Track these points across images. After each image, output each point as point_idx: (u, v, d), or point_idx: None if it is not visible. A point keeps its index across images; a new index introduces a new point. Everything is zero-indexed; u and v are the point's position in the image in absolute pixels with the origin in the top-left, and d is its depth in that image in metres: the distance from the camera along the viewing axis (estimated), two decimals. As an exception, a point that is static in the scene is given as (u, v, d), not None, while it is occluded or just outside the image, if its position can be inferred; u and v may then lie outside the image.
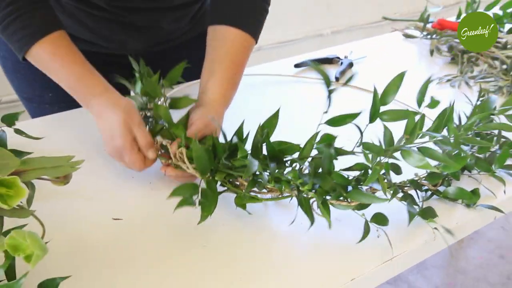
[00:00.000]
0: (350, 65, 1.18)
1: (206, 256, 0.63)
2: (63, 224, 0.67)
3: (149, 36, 1.05)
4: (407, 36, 1.35)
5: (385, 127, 0.67)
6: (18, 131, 0.77)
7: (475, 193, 0.72)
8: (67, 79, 0.82)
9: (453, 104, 0.67)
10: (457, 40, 1.23)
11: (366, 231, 0.64)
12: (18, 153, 0.70)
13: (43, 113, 1.00)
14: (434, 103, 0.66)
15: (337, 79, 1.12)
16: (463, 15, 1.33)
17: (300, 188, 0.64)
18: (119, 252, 0.63)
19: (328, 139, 0.65)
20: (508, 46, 1.17)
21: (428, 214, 0.67)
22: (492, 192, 0.74)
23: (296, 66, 1.18)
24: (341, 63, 1.19)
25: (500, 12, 1.29)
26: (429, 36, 1.32)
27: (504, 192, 0.75)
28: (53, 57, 0.81)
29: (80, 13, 0.98)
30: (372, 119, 0.66)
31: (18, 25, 0.81)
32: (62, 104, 0.99)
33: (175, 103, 0.83)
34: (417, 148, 0.63)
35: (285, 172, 0.66)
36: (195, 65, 0.90)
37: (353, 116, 0.65)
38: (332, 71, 1.16)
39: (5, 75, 1.10)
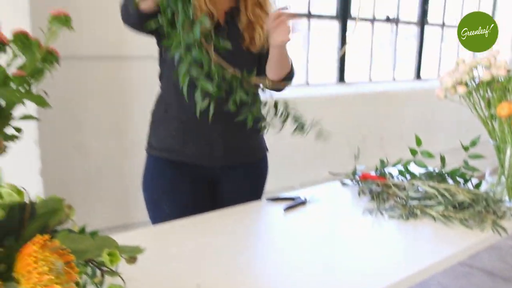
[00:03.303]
0: (303, 203, 1.44)
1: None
2: None
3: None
4: (343, 184, 1.63)
5: None
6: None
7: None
8: None
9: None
10: (374, 186, 1.52)
11: None
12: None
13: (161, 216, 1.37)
14: None
15: (285, 210, 1.36)
16: (379, 170, 1.63)
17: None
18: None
19: None
20: (406, 189, 1.45)
21: None
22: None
23: (268, 199, 1.46)
24: (296, 200, 1.44)
25: (402, 168, 1.60)
26: (357, 183, 1.60)
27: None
28: None
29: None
30: None
31: None
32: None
33: None
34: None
35: None
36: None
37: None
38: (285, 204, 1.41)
39: (143, 181, 1.45)
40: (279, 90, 1.40)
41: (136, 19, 1.18)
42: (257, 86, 1.24)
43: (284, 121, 1.26)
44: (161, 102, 1.43)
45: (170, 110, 1.39)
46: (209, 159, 1.41)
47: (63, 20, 0.76)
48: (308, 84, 3.47)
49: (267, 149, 1.58)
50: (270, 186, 1.79)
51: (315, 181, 1.77)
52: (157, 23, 1.11)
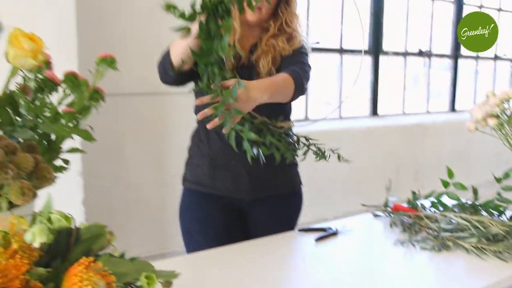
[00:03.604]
0: (334, 234, 1.45)
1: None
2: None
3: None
4: (375, 215, 1.63)
5: None
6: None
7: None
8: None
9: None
10: (405, 218, 1.51)
11: None
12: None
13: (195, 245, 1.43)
14: None
15: (316, 240, 1.38)
16: (411, 202, 1.62)
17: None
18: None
19: None
20: (438, 221, 1.44)
21: None
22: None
23: (300, 230, 1.47)
24: (327, 231, 1.46)
25: (434, 200, 1.58)
26: (389, 215, 1.60)
27: None
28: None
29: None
30: None
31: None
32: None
33: None
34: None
35: None
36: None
37: None
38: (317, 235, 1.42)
39: (179, 212, 1.50)
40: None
41: (173, 78, 1.30)
42: (282, 128, 1.30)
43: (306, 152, 1.35)
44: (195, 137, 1.50)
45: (202, 145, 1.46)
46: (237, 192, 1.47)
47: (109, 61, 0.84)
48: (341, 118, 3.49)
49: (301, 183, 1.60)
50: (304, 217, 1.83)
51: (348, 213, 1.77)
52: (198, 87, 1.19)
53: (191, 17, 1.11)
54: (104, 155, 2.29)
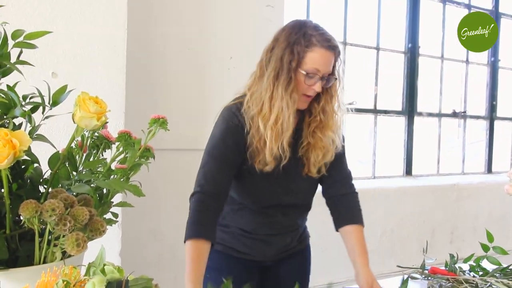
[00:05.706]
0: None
1: None
2: None
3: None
4: (412, 278, 1.60)
5: None
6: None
7: None
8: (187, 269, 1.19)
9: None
10: (443, 281, 1.47)
11: None
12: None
13: None
14: None
15: None
16: (449, 265, 1.58)
17: None
18: None
19: None
20: (478, 286, 1.40)
21: None
22: None
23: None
24: None
25: (473, 263, 1.54)
26: (426, 278, 1.56)
27: None
28: (189, 254, 1.20)
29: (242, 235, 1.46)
30: None
31: (194, 217, 1.24)
32: None
33: None
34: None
35: None
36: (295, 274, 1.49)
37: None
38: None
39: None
40: None
41: None
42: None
43: None
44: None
45: (234, 215, 1.48)
46: (262, 257, 1.51)
47: (160, 122, 0.89)
48: (374, 177, 3.47)
49: (309, 236, 1.65)
50: (337, 277, 1.80)
51: (382, 275, 1.73)
52: None
53: None
54: (141, 208, 2.34)
